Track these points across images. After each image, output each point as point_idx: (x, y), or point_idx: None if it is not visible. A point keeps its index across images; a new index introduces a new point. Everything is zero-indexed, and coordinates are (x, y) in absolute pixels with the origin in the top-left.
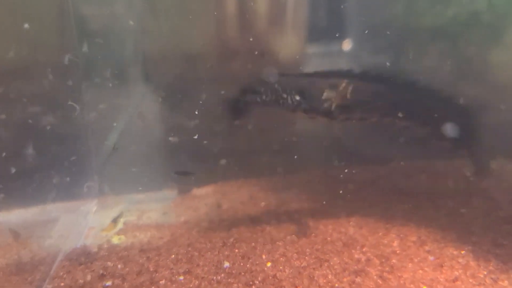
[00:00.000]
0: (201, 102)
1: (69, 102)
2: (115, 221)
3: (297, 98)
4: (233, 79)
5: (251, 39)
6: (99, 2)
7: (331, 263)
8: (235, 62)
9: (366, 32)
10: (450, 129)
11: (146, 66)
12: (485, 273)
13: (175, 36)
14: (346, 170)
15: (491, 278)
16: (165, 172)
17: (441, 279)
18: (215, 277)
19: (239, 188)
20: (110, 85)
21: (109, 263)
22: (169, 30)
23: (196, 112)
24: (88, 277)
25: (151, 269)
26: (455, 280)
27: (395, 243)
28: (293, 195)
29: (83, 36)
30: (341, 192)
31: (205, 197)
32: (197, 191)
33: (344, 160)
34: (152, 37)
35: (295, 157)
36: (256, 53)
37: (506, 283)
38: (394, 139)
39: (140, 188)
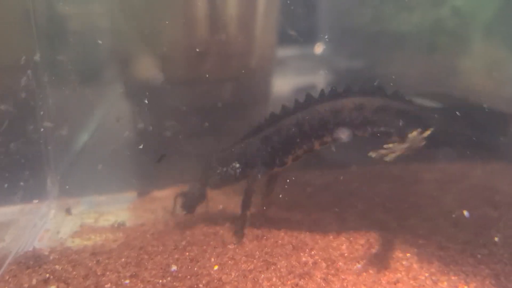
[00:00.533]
0: (168, 105)
1: (31, 103)
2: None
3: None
4: (202, 82)
5: (221, 42)
6: (66, 2)
7: (278, 266)
8: (205, 64)
9: (326, 37)
10: None
11: (115, 68)
12: (427, 275)
13: (144, 37)
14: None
15: (432, 280)
16: (126, 175)
17: (383, 281)
18: (160, 281)
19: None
20: (76, 86)
21: (57, 267)
22: (138, 31)
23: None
24: (34, 281)
25: (99, 273)
26: (397, 282)
27: (344, 246)
28: (253, 198)
29: (47, 36)
30: (280, 196)
31: (164, 199)
32: (157, 194)
33: (305, 165)
34: (121, 38)
35: None
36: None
37: (445, 284)
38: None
39: (101, 190)
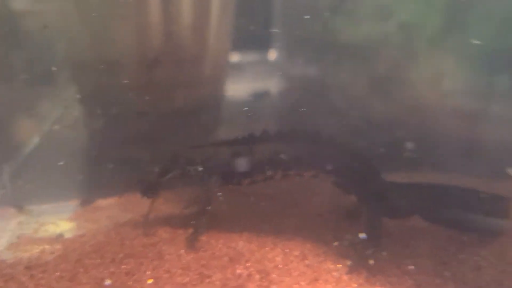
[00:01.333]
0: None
1: None
2: None
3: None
4: (155, 87)
5: (173, 47)
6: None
7: (213, 279)
8: (157, 70)
9: (280, 44)
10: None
11: (66, 72)
12: (355, 285)
13: (97, 42)
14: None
15: None
16: (70, 183)
17: None
18: None
19: (144, 200)
20: (25, 90)
21: None
22: (92, 36)
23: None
24: None
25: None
26: None
27: (279, 258)
28: (194, 210)
29: None
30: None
31: (108, 208)
32: (101, 202)
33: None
34: (75, 42)
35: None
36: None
37: None
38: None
39: (44, 199)
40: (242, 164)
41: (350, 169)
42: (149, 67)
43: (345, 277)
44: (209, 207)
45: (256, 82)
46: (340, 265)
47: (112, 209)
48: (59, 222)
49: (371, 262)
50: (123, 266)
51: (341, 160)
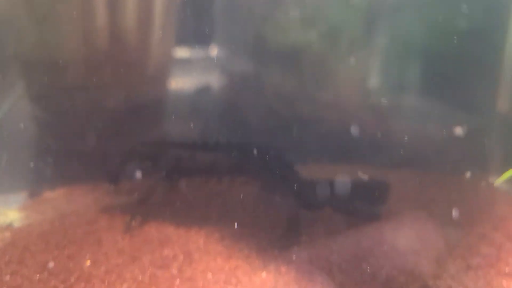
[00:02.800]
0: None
1: None
2: None
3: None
4: (101, 87)
5: (119, 48)
6: None
7: (143, 260)
8: (103, 71)
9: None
10: None
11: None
12: (261, 261)
13: (46, 43)
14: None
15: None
16: (18, 175)
17: (226, 268)
18: (38, 276)
19: (88, 192)
20: None
21: None
22: (41, 36)
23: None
24: None
25: None
26: (236, 268)
27: (201, 240)
28: (134, 200)
29: None
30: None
31: (55, 200)
32: (49, 194)
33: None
34: (24, 41)
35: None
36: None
37: (264, 274)
38: None
39: None
40: (184, 164)
41: (271, 172)
42: (94, 67)
43: (254, 254)
44: (148, 199)
45: (198, 77)
46: (254, 245)
47: (59, 200)
48: (8, 212)
49: (280, 243)
50: (65, 251)
51: (265, 165)
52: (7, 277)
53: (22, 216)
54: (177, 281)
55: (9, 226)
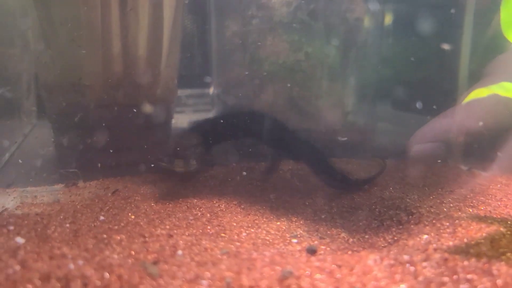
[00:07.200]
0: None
1: None
2: None
3: None
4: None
5: (132, 75)
6: None
7: (177, 216)
8: (118, 92)
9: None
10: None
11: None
12: (272, 217)
13: (68, 68)
14: None
15: (278, 218)
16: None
17: (246, 220)
18: (92, 224)
19: (117, 182)
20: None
21: (11, 220)
22: (63, 62)
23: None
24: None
25: (45, 222)
26: (254, 221)
27: (223, 205)
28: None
29: None
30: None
31: (89, 187)
32: (83, 185)
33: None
34: (51, 68)
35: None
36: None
37: (278, 223)
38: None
39: (32, 181)
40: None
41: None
42: (112, 89)
43: (268, 212)
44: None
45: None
46: (267, 207)
47: (93, 187)
48: (51, 195)
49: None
50: (110, 211)
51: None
52: (67, 225)
53: (64, 196)
54: (209, 226)
55: (56, 202)
